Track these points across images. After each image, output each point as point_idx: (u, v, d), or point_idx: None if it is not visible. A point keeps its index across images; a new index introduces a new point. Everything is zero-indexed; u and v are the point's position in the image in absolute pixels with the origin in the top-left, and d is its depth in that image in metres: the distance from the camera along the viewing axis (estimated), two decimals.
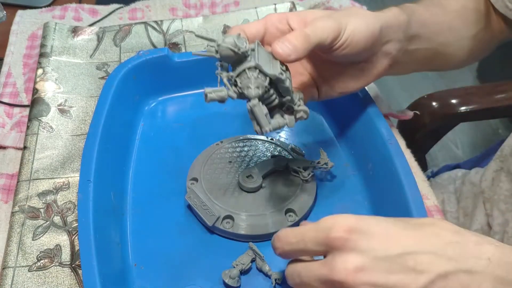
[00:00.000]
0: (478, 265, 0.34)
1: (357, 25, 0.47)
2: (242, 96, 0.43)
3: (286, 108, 0.47)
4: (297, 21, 0.48)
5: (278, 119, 0.46)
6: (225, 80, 0.43)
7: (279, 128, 0.46)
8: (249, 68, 0.42)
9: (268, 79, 0.43)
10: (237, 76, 0.43)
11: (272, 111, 0.46)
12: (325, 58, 0.51)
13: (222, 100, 0.43)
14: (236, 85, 0.43)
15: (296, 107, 0.47)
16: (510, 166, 0.65)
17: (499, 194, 0.66)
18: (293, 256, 0.41)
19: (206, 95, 0.42)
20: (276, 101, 0.45)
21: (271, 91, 0.44)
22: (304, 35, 0.44)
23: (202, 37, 0.44)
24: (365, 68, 0.52)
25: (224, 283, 0.50)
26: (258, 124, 0.43)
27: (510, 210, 0.64)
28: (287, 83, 0.44)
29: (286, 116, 0.47)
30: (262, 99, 0.44)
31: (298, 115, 0.47)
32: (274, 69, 0.43)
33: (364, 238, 0.35)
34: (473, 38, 0.60)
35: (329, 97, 0.54)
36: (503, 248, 0.35)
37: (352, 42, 0.47)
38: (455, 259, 0.34)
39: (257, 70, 0.43)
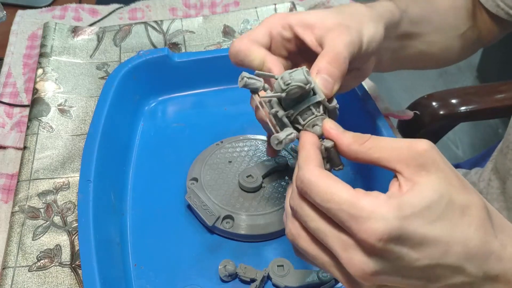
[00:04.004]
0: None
1: (371, 35, 0.44)
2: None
3: None
4: (302, 28, 0.44)
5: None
6: (285, 120, 0.39)
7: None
8: (313, 104, 0.39)
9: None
10: (298, 113, 0.39)
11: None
12: None
13: (292, 141, 0.39)
14: (293, 122, 0.40)
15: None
16: (497, 164, 0.65)
17: (491, 193, 0.66)
18: (304, 209, 0.35)
19: (280, 141, 0.38)
20: None
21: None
22: (341, 60, 0.40)
23: (257, 81, 0.40)
24: (362, 69, 0.50)
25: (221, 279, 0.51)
26: (332, 163, 0.40)
27: (503, 208, 0.64)
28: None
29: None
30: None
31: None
32: (331, 101, 0.41)
33: (399, 248, 0.32)
34: (460, 38, 0.59)
35: None
36: None
37: (367, 53, 0.45)
38: (468, 274, 0.33)
39: (321, 105, 0.39)
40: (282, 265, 0.51)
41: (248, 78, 0.40)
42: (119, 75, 0.63)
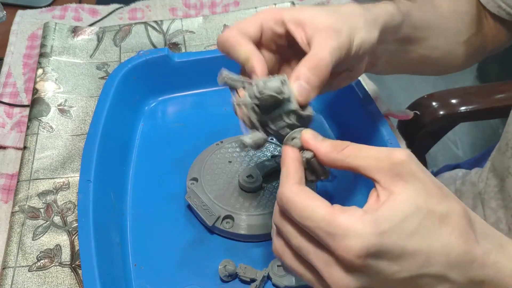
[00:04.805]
0: None
1: (362, 39, 0.43)
2: (278, 137, 0.41)
3: None
4: (295, 25, 0.43)
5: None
6: (257, 124, 0.40)
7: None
8: (285, 112, 0.40)
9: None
10: (270, 119, 0.40)
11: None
12: None
13: (260, 145, 0.40)
14: (264, 127, 0.41)
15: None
16: (495, 162, 0.65)
17: (489, 192, 0.66)
18: (284, 224, 0.36)
19: (245, 146, 0.39)
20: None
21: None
22: (323, 66, 0.40)
23: (236, 80, 0.41)
24: (353, 70, 0.49)
25: (221, 279, 0.50)
26: (315, 174, 0.39)
27: (501, 206, 0.64)
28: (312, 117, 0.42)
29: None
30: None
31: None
32: (306, 108, 0.41)
33: (378, 262, 0.32)
34: (464, 44, 0.58)
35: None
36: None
37: (358, 56, 0.44)
38: (453, 281, 0.33)
39: (295, 113, 0.40)
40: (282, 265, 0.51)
41: (227, 75, 0.41)
42: (119, 75, 0.63)
